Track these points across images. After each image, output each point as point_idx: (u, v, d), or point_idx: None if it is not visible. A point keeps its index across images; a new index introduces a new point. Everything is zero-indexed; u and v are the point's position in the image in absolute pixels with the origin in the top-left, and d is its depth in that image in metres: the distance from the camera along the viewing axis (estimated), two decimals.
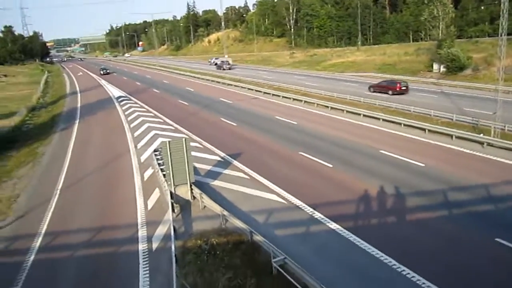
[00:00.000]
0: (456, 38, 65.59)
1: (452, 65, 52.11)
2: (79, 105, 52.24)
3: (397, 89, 44.35)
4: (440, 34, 62.65)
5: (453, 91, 44.30)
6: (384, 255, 13.76)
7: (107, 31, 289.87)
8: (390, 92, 44.38)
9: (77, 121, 41.23)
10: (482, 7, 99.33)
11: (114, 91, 61.42)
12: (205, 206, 18.16)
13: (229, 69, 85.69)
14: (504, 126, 26.26)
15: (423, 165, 21.87)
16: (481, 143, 24.55)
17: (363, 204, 17.95)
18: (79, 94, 62.80)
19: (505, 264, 13.01)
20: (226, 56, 72.64)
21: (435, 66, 56.18)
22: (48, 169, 26.52)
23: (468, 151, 23.94)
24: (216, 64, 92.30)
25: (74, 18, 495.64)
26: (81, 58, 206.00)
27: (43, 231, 17.32)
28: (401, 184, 19.53)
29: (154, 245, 15.41)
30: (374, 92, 46.06)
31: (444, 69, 53.90)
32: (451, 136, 26.31)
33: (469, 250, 13.92)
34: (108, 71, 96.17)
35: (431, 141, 26.30)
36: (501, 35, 25.43)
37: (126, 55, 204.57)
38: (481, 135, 25.21)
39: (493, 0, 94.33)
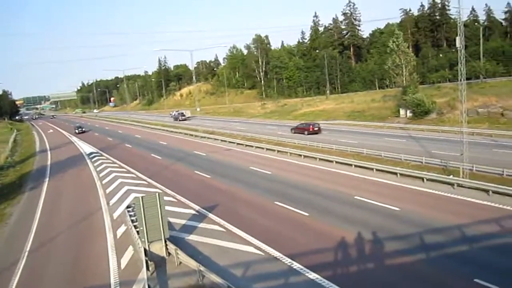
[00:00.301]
0: (419, 84, 68.56)
1: (417, 110, 53.97)
2: (49, 163, 51.09)
3: (311, 129, 53.48)
4: (404, 81, 65.34)
5: (420, 134, 45.63)
6: None
7: (78, 88, 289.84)
8: (305, 132, 53.25)
9: (46, 179, 40.15)
10: (441, 55, 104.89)
11: (85, 147, 60.54)
12: (181, 262, 17.63)
13: (185, 120, 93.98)
14: (472, 167, 27.00)
15: (398, 209, 22.06)
16: (452, 184, 25.06)
17: (342, 252, 17.80)
18: (49, 152, 61.59)
19: None
20: (198, 109, 73.64)
21: (402, 111, 58.04)
22: (15, 230, 25.43)
23: (440, 192, 24.36)
24: (172, 115, 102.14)
25: (44, 76, 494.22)
26: (53, 115, 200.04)
27: None
28: (377, 229, 19.56)
29: None
30: (294, 133, 54.76)
31: (411, 114, 55.73)
32: (422, 179, 26.81)
33: None
34: (83, 129, 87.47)
35: (403, 184, 26.71)
36: (460, 80, 26.70)
37: (95, 110, 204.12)
38: (451, 176, 25.81)
39: (450, 48, 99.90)
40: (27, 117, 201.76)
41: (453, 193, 23.96)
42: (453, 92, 56.92)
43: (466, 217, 20.14)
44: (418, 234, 18.63)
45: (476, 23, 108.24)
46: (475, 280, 14.22)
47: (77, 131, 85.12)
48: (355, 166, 32.56)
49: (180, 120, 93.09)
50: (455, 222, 19.52)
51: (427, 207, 22.00)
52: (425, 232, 18.71)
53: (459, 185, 24.78)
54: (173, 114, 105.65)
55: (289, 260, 17.23)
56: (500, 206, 21.14)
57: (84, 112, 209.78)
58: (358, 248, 18.01)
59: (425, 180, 26.63)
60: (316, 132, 52.81)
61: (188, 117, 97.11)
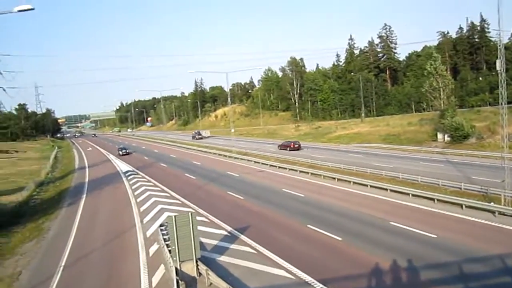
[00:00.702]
0: (458, 108, 66.86)
1: (456, 134, 52.62)
2: (86, 180, 52.56)
3: (292, 146, 65.31)
4: (442, 105, 63.92)
5: (459, 159, 44.33)
6: None
7: (117, 108, 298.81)
8: (288, 148, 64.90)
9: (84, 196, 41.26)
10: (480, 78, 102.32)
11: (122, 166, 62.01)
12: (211, 283, 17.59)
13: (201, 138, 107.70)
14: None
15: (434, 236, 21.36)
16: (493, 212, 24.11)
17: (375, 279, 17.32)
18: (87, 169, 63.41)
19: None
20: (232, 130, 74.57)
21: (439, 135, 56.75)
22: (52, 245, 26.14)
23: (479, 220, 23.47)
24: (192, 135, 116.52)
25: (85, 96, 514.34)
26: (94, 134, 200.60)
27: None
28: (413, 256, 18.96)
29: None
30: (280, 149, 66.16)
31: (449, 138, 54.38)
32: (461, 205, 25.93)
33: None
34: (127, 151, 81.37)
35: (441, 211, 25.89)
36: (501, 104, 25.94)
37: (129, 130, 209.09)
38: (492, 203, 24.85)
39: (490, 71, 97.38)
40: (68, 135, 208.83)
41: (494, 221, 23.02)
42: (494, 116, 55.31)
43: (508, 246, 19.27)
44: (455, 263, 17.92)
45: None
46: None
47: (120, 152, 79.61)
48: (391, 190, 31.89)
49: (196, 139, 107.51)
50: (496, 252, 18.69)
51: (465, 235, 21.21)
52: (463, 261, 17.99)
53: (500, 213, 23.81)
54: (193, 133, 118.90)
55: (321, 285, 16.89)
56: None
57: (119, 131, 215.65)
58: (392, 276, 17.48)
59: (464, 207, 25.74)
60: (297, 149, 64.37)
61: (204, 136, 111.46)
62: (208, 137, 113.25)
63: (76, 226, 29.89)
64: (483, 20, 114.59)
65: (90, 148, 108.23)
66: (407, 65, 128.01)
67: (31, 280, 20.40)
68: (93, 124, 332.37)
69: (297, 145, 65.28)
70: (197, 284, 17.98)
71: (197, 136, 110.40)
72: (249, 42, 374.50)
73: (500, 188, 26.43)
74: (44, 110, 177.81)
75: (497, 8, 24.10)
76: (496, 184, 28.15)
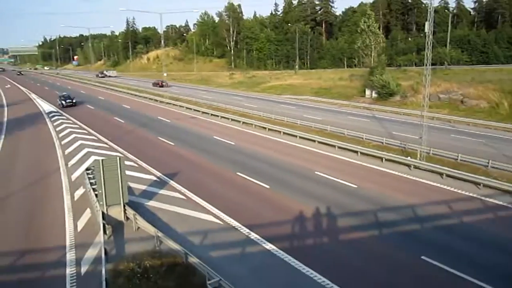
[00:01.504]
0: (387, 66, 69.42)
1: (382, 91, 54.91)
2: (5, 119, 49.20)
3: (160, 84, 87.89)
4: (372, 62, 66.03)
5: (383, 115, 46.63)
6: (318, 275, 14.02)
7: (40, 43, 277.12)
8: (158, 85, 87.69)
9: (2, 136, 38.74)
10: (410, 39, 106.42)
11: (45, 106, 58.53)
12: (138, 228, 17.61)
13: (103, 77, 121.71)
14: (429, 150, 27.96)
15: (355, 186, 22.69)
16: (409, 166, 25.92)
17: (298, 225, 18.24)
18: (5, 108, 59.19)
19: (430, 282, 13.70)
20: (165, 74, 72.60)
21: (367, 91, 58.93)
22: None
23: (396, 173, 25.18)
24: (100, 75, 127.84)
25: (3, 28, 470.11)
26: (19, 71, 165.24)
27: None
28: (335, 204, 20.10)
29: (83, 269, 14.66)
30: (154, 86, 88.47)
31: (376, 95, 56.68)
32: (382, 158, 27.57)
33: (397, 268, 14.53)
34: (74, 100, 59.16)
35: (363, 163, 27.40)
36: (426, 65, 27.29)
37: (46, 68, 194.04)
38: (409, 158, 26.67)
39: (419, 33, 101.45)
40: None
41: (410, 174, 24.81)
42: (418, 76, 58.07)
43: (419, 197, 20.98)
44: (372, 211, 19.29)
45: (446, 10, 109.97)
46: (422, 257, 14.96)
47: (64, 103, 58.06)
48: (318, 142, 33.05)
49: (100, 77, 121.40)
50: (408, 202, 20.32)
51: (383, 186, 22.73)
52: (379, 210, 19.39)
53: (415, 167, 25.65)
54: (97, 73, 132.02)
55: (247, 230, 17.52)
56: (452, 189, 22.10)
57: (44, 68, 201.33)
58: (314, 222, 18.50)
59: (384, 160, 27.39)
60: (163, 86, 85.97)
61: (108, 75, 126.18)
62: (115, 77, 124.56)
63: None
64: None
65: (8, 85, 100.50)
66: (342, 20, 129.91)
67: None
68: (12, 60, 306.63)
69: (164, 83, 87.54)
70: (124, 228, 17.91)
71: (99, 75, 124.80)
72: None
73: (417, 144, 28.33)
74: None
75: None
76: (414, 140, 30.07)
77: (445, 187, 22.47)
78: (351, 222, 18.27)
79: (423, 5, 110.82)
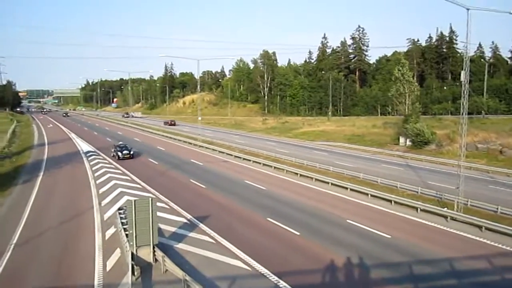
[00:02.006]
0: (421, 114, 68.65)
1: (417, 140, 54.08)
2: (45, 157, 51.02)
3: (170, 123, 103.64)
4: (406, 110, 65.49)
5: (418, 164, 45.65)
6: None
7: (83, 86, 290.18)
8: (167, 124, 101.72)
9: (41, 174, 40.05)
10: (445, 87, 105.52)
11: (83, 146, 60.51)
12: (167, 270, 17.49)
13: (128, 117, 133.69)
14: (467, 201, 26.98)
15: (389, 236, 21.99)
16: (445, 217, 25.01)
17: (329, 274, 17.69)
18: (46, 146, 61.53)
19: None
20: (200, 118, 73.97)
21: (401, 139, 58.17)
22: (4, 222, 25.27)
23: (432, 224, 24.30)
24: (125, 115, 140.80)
25: (50, 70, 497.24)
26: (66, 113, 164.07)
27: None
28: (367, 254, 19.48)
29: None
30: (165, 125, 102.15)
31: (410, 143, 55.84)
32: (416, 208, 26.76)
33: None
34: (131, 153, 49.52)
35: (397, 212, 26.65)
36: (462, 114, 26.85)
37: (82, 109, 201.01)
38: (445, 209, 25.76)
39: (455, 81, 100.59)
40: (28, 109, 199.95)
41: (446, 226, 23.89)
42: (454, 125, 57.22)
43: (457, 251, 20.08)
44: (406, 264, 18.54)
45: (482, 59, 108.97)
46: None
47: (120, 154, 48.32)
48: (351, 189, 32.52)
49: (125, 117, 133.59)
50: (445, 255, 19.44)
51: (418, 237, 21.93)
52: (414, 262, 18.63)
53: (452, 218, 24.73)
54: (123, 113, 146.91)
55: (276, 278, 17.11)
56: (492, 243, 21.07)
57: (81, 109, 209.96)
58: (346, 272, 17.91)
59: (419, 210, 26.58)
60: (173, 125, 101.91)
61: (133, 116, 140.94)
62: (141, 117, 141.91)
63: (30, 204, 29.03)
64: (452, 32, 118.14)
65: (50, 125, 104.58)
66: (376, 68, 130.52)
67: None
68: (56, 101, 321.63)
69: (173, 122, 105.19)
70: (153, 270, 17.83)
71: (124, 115, 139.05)
72: (223, 31, 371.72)
73: (454, 194, 27.42)
74: (4, 82, 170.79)
75: (466, 22, 24.94)
76: (451, 190, 29.18)
77: (484, 240, 21.45)
78: (384, 274, 17.57)
79: (458, 54, 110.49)
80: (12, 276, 17.49)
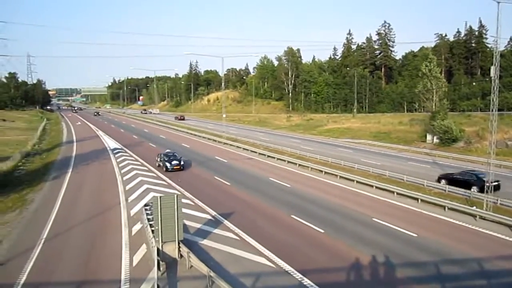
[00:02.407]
0: (449, 111, 67.26)
1: (445, 137, 53.03)
2: (74, 154, 52.20)
3: (179, 118, 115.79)
4: (433, 107, 64.30)
5: (445, 162, 44.74)
6: None
7: (109, 84, 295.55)
8: (177, 119, 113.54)
9: (70, 170, 41.01)
10: (474, 83, 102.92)
11: (110, 143, 61.63)
12: (192, 266, 17.67)
13: (145, 113, 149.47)
14: (497, 200, 26.31)
15: (415, 235, 21.64)
16: (474, 216, 24.44)
17: (354, 273, 17.54)
18: (75, 143, 62.92)
19: None
20: (224, 115, 74.34)
21: (429, 137, 57.15)
22: (35, 217, 26.01)
23: (460, 223, 23.79)
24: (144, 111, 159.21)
25: (77, 69, 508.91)
26: (97, 112, 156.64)
27: (22, 282, 16.70)
28: (393, 253, 19.21)
29: None
30: (175, 119, 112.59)
31: (437, 140, 54.80)
32: (444, 207, 26.24)
33: None
34: (182, 163, 40.79)
35: (423, 211, 26.19)
36: (492, 110, 26.14)
37: (125, 108, 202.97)
38: (474, 207, 25.17)
39: (484, 77, 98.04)
40: (59, 107, 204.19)
41: (474, 225, 23.35)
42: (483, 122, 55.83)
43: (486, 251, 19.61)
44: (433, 263, 18.21)
45: None
46: None
47: (168, 165, 40.01)
48: (376, 187, 32.15)
49: (143, 113, 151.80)
50: (474, 255, 19.02)
51: (445, 236, 21.51)
52: (441, 262, 18.27)
53: (481, 217, 24.14)
54: (141, 110, 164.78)
55: (300, 275, 17.05)
56: None
57: (107, 107, 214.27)
58: (371, 271, 17.71)
59: (446, 208, 26.06)
60: (182, 119, 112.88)
61: (151, 112, 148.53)
62: (158, 113, 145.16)
63: (60, 200, 29.74)
64: (481, 26, 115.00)
65: (79, 123, 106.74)
66: (402, 65, 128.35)
67: (11, 250, 20.31)
68: (84, 99, 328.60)
69: (182, 117, 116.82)
70: (178, 266, 18.05)
71: (142, 112, 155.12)
72: (247, 29, 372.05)
73: (483, 193, 26.75)
74: (35, 81, 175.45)
75: (496, 15, 24.21)
76: None
77: None
78: (410, 273, 17.29)
79: (488, 49, 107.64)
80: (42, 269, 17.97)
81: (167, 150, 45.83)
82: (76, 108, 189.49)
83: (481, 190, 28.19)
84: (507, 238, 21.28)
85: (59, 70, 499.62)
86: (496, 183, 29.39)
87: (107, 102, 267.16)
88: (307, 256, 19.25)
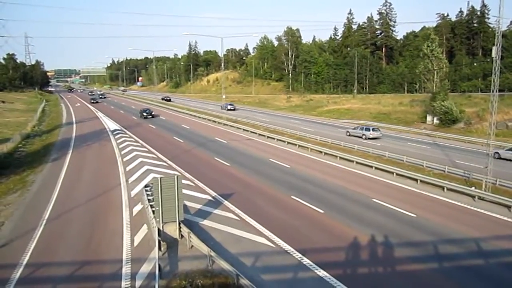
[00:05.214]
0: (450, 92, 67.00)
1: (445, 118, 52.98)
2: (73, 135, 52.18)
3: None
4: (434, 87, 64.00)
5: (445, 143, 44.81)
6: None
7: (108, 65, 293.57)
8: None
9: (70, 151, 41.05)
10: (475, 64, 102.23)
11: (110, 124, 61.54)
12: (192, 246, 17.85)
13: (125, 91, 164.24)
14: (496, 181, 26.42)
15: (414, 215, 21.80)
16: (473, 196, 24.59)
17: (353, 252, 17.73)
18: (74, 125, 62.84)
19: None
20: (224, 96, 74.19)
21: (429, 117, 57.09)
22: (36, 198, 26.15)
23: (459, 203, 23.94)
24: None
25: (76, 50, 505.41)
26: (102, 94, 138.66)
27: (24, 262, 16.88)
28: (392, 233, 19.39)
29: (138, 283, 15.01)
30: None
31: (438, 121, 54.76)
32: (443, 188, 26.38)
33: None
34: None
35: (423, 191, 26.33)
36: (493, 91, 26.03)
37: (121, 88, 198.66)
38: (473, 188, 25.29)
39: (486, 58, 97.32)
40: (55, 89, 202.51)
41: (473, 206, 23.51)
42: (484, 103, 55.73)
43: (484, 231, 19.78)
44: (432, 243, 18.39)
45: None
46: None
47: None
48: (376, 168, 32.25)
49: (122, 91, 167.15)
50: (472, 235, 19.19)
51: (444, 217, 21.67)
52: (439, 242, 18.46)
53: (480, 198, 24.29)
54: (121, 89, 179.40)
55: (300, 255, 17.24)
56: None
57: (111, 88, 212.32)
58: (370, 251, 17.91)
59: (445, 189, 26.20)
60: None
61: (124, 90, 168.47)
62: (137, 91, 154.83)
63: (61, 181, 29.86)
64: (484, 5, 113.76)
65: (78, 104, 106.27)
66: (403, 45, 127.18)
67: (13, 231, 20.47)
68: (83, 80, 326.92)
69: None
70: (179, 246, 18.23)
71: (122, 90, 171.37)
72: (247, 9, 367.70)
73: (482, 174, 26.87)
74: (33, 62, 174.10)
75: None
76: (479, 169, 28.62)
77: None
78: (409, 253, 17.49)
79: (490, 29, 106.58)
80: (45, 250, 18.16)
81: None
82: (79, 90, 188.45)
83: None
84: (505, 218, 21.45)
85: (58, 51, 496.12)
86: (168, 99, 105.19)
87: (106, 84, 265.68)
88: (307, 236, 19.42)
